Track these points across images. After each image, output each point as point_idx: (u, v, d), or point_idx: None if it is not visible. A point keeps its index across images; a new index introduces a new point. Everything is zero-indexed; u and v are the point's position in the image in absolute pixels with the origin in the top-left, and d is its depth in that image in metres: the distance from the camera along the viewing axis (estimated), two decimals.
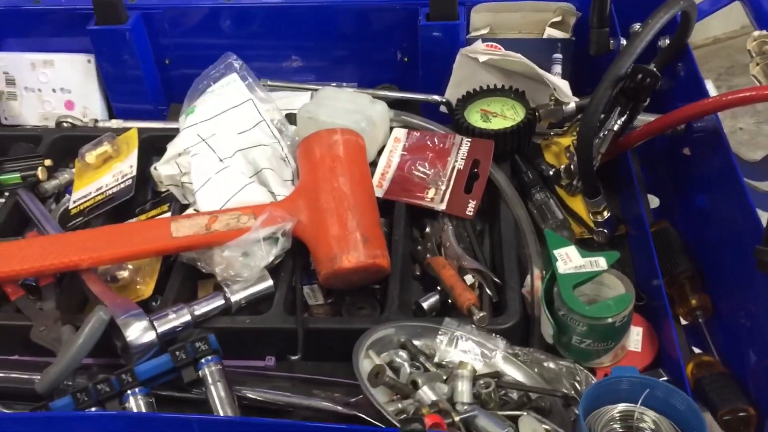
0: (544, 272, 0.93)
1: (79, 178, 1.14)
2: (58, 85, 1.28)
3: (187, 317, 0.89)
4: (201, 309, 0.90)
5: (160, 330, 0.86)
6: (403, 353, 0.82)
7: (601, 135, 0.97)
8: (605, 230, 1.02)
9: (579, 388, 0.82)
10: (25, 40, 1.28)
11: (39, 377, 0.84)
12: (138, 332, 0.84)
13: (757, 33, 0.95)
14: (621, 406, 0.73)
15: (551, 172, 1.12)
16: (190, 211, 1.00)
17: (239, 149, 1.02)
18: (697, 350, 0.92)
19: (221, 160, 1.01)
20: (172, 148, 1.03)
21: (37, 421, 0.72)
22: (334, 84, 1.26)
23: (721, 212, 0.94)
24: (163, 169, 1.03)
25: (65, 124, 1.23)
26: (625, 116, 0.96)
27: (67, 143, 1.18)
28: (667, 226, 1.01)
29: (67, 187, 1.14)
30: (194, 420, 0.68)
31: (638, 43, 0.91)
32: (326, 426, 0.70)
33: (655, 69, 0.90)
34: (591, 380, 0.83)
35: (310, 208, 0.95)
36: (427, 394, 0.77)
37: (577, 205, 1.09)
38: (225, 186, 0.99)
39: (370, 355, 0.81)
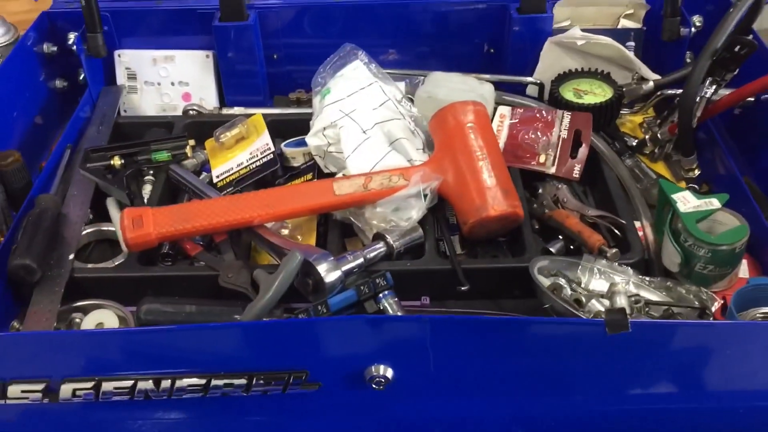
0: (650, 221, 1.09)
1: (213, 157, 1.26)
2: (177, 79, 1.40)
3: (361, 260, 1.02)
4: (370, 254, 1.03)
5: (343, 269, 0.99)
6: (561, 279, 0.97)
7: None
8: (696, 186, 1.19)
9: (707, 304, 0.97)
10: (146, 38, 1.40)
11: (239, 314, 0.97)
12: (328, 270, 0.97)
13: None
14: (763, 309, 0.88)
15: (635, 142, 1.28)
16: (339, 175, 1.13)
17: (377, 122, 1.16)
18: None
19: (364, 132, 1.14)
20: (319, 122, 1.16)
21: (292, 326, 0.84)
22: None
23: None
24: (311, 141, 1.16)
25: (192, 112, 1.35)
26: (715, 86, 1.13)
27: (195, 128, 1.30)
28: (749, 180, 1.18)
29: (203, 165, 1.26)
30: (427, 320, 0.80)
31: (731, 20, 1.08)
32: (556, 320, 0.83)
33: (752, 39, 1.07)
34: (715, 300, 0.98)
35: (453, 168, 1.09)
36: (596, 305, 0.91)
37: (660, 169, 1.26)
38: (370, 153, 1.12)
39: (538, 279, 0.95)
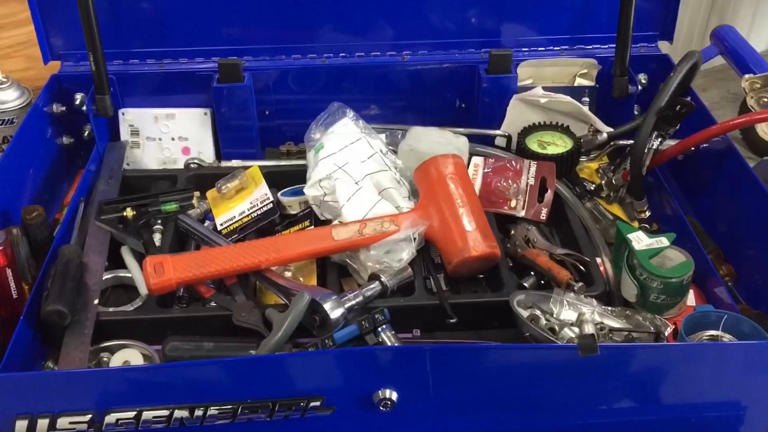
0: (609, 257, 1.25)
1: (215, 206, 1.38)
2: (177, 135, 1.52)
3: (360, 298, 1.14)
4: (368, 292, 1.16)
5: (346, 306, 1.11)
6: (537, 310, 1.11)
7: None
8: (647, 226, 1.35)
9: (661, 329, 1.12)
10: (148, 97, 1.52)
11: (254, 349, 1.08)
12: (333, 307, 1.09)
13: (747, 75, 1.31)
14: (708, 332, 1.04)
15: (593, 187, 1.44)
16: (335, 223, 1.26)
17: (367, 174, 1.30)
18: None
19: (356, 183, 1.28)
20: (315, 175, 1.29)
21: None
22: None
23: (736, 205, 1.28)
24: (309, 191, 1.29)
25: (193, 165, 1.47)
26: (660, 138, 1.30)
27: (196, 180, 1.43)
28: (691, 218, 1.35)
29: (206, 214, 1.38)
30: (427, 349, 0.93)
31: (672, 83, 1.26)
32: (538, 345, 0.97)
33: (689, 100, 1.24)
34: (668, 325, 1.13)
35: (438, 214, 1.23)
36: (568, 333, 1.05)
37: (616, 210, 1.42)
38: (363, 202, 1.26)
39: (518, 311, 1.09)
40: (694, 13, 2.16)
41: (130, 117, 1.52)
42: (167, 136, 1.52)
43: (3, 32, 1.84)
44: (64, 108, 1.49)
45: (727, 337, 1.04)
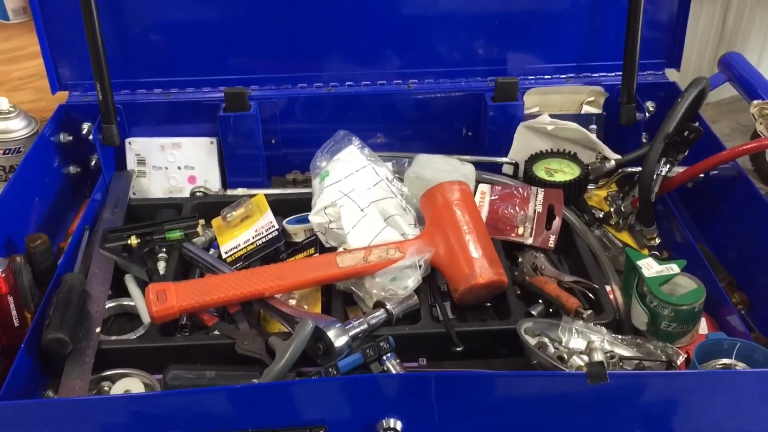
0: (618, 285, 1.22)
1: (221, 234, 1.37)
2: (183, 164, 1.52)
3: (365, 326, 1.13)
4: (373, 320, 1.14)
5: (350, 334, 1.09)
6: (545, 338, 1.09)
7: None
8: (657, 253, 1.33)
9: (673, 358, 1.09)
10: (154, 127, 1.52)
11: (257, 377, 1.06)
12: (337, 335, 1.08)
13: (756, 101, 1.30)
14: (721, 360, 1.01)
15: (601, 215, 1.43)
16: (340, 250, 1.25)
17: (372, 201, 1.29)
18: None
19: (361, 210, 1.27)
20: (320, 202, 1.28)
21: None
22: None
23: (747, 232, 1.26)
24: (314, 219, 1.28)
25: (198, 194, 1.47)
26: (669, 165, 1.29)
27: (202, 208, 1.42)
28: (702, 245, 1.33)
29: (212, 242, 1.37)
30: (432, 377, 0.91)
31: (679, 108, 1.25)
32: (545, 373, 0.95)
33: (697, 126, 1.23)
34: (680, 354, 1.10)
35: (444, 241, 1.22)
36: (577, 361, 1.03)
37: (625, 238, 1.40)
38: (368, 229, 1.25)
39: (526, 339, 1.07)
40: (703, 41, 2.16)
41: (137, 146, 1.52)
42: (173, 165, 1.52)
43: (13, 65, 1.85)
44: (71, 137, 1.49)
45: (740, 366, 1.02)
